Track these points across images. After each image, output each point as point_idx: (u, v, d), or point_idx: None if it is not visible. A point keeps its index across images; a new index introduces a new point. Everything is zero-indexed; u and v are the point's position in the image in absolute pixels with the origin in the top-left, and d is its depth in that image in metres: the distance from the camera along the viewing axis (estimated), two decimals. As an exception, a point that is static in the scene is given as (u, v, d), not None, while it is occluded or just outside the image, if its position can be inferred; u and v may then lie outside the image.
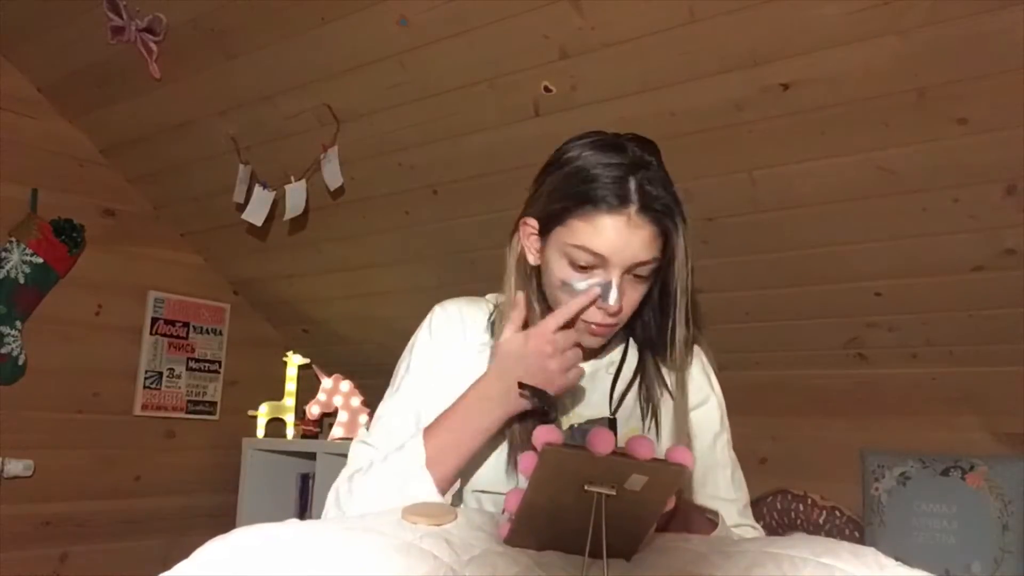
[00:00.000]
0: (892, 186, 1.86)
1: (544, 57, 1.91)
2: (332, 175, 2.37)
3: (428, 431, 1.05)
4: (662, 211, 1.02)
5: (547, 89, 1.99)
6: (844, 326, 2.27)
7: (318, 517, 3.21)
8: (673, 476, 0.81)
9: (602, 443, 0.77)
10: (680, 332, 1.11)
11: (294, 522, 0.84)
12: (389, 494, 0.99)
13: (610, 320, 1.05)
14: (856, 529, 2.30)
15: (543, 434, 0.80)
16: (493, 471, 1.10)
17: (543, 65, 1.93)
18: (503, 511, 0.90)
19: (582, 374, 1.06)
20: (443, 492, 1.02)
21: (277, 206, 2.57)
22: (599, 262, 1.02)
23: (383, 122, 2.28)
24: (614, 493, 0.78)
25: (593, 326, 1.06)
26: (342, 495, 1.06)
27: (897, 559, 0.81)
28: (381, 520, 0.84)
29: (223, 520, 3.13)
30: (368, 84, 2.18)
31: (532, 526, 0.83)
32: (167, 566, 0.80)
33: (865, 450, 2.32)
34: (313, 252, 2.90)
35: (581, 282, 1.03)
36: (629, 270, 1.03)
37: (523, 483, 0.84)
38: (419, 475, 1.01)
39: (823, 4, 1.59)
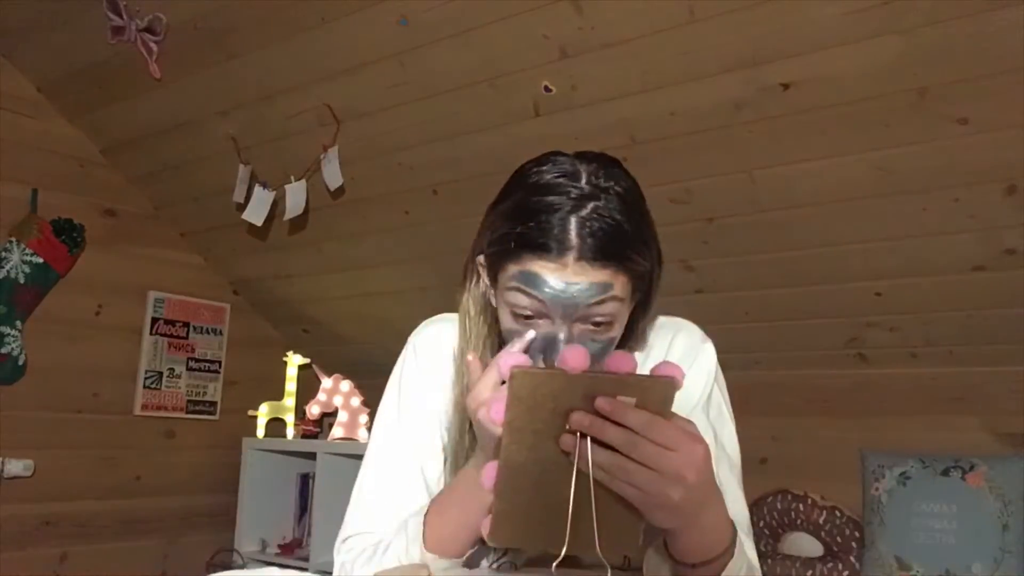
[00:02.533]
0: (892, 186, 1.86)
1: (544, 57, 1.91)
2: (332, 175, 2.37)
3: (428, 517, 0.92)
4: (610, 252, 0.84)
5: (547, 89, 1.99)
6: (844, 326, 2.27)
7: (318, 518, 3.16)
8: (662, 392, 0.71)
9: (575, 358, 0.68)
10: (637, 336, 0.99)
11: (271, 571, 0.80)
12: None
13: (574, 364, 0.90)
14: (856, 529, 2.30)
15: (509, 358, 0.71)
16: None
17: (543, 65, 1.93)
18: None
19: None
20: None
21: (277, 206, 2.57)
22: (541, 309, 0.86)
23: (383, 122, 2.28)
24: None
25: None
26: None
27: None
28: None
29: (223, 520, 3.13)
30: (368, 84, 2.18)
31: (517, 501, 0.72)
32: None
33: (865, 450, 2.32)
34: (313, 252, 2.90)
35: (526, 332, 0.87)
36: (580, 320, 0.86)
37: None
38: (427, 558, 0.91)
39: (823, 4, 1.59)
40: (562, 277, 0.83)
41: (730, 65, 1.77)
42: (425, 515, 0.92)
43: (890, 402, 2.36)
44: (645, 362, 1.01)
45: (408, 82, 2.12)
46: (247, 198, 2.56)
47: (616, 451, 0.70)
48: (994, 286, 1.97)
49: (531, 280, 0.84)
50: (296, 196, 2.48)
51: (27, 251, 2.66)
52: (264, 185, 2.55)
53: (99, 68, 2.53)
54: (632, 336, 0.97)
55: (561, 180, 0.86)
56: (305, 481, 3.21)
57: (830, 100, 1.75)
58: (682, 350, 1.03)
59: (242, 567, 2.87)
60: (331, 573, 0.99)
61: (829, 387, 2.45)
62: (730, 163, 1.98)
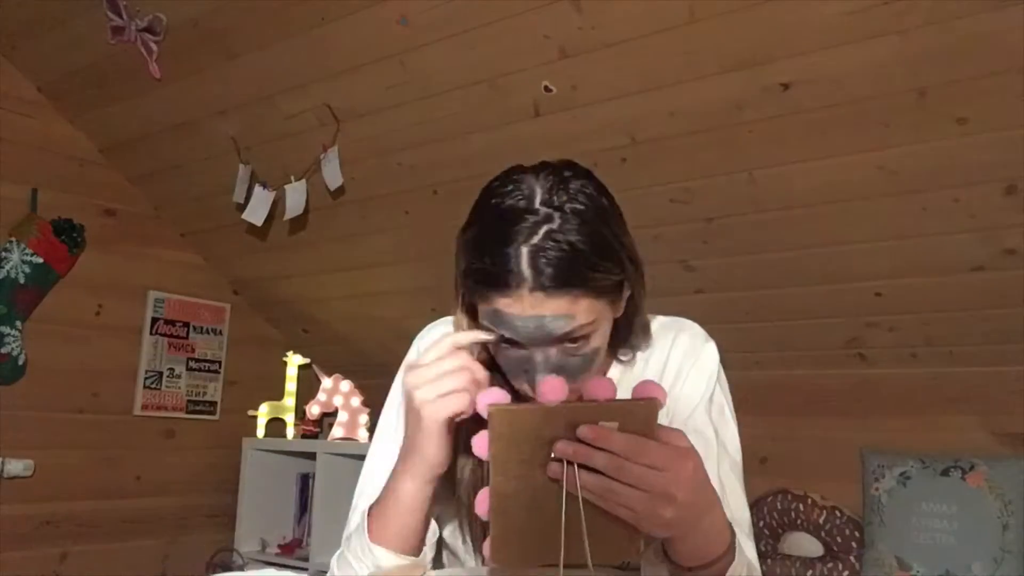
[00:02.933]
0: (892, 186, 1.86)
1: (544, 57, 1.91)
2: (332, 175, 2.37)
3: (372, 506, 0.93)
4: (565, 279, 0.81)
5: (547, 89, 1.99)
6: (844, 326, 2.27)
7: (318, 518, 3.15)
8: (644, 414, 0.71)
9: (552, 391, 0.70)
10: (637, 334, 0.99)
11: (269, 572, 0.79)
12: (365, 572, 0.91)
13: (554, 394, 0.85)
14: (856, 529, 2.30)
15: (486, 396, 0.71)
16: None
17: (543, 65, 1.93)
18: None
19: (465, 404, 0.82)
20: (413, 554, 0.91)
21: (277, 206, 2.57)
22: (516, 342, 0.86)
23: (383, 122, 2.28)
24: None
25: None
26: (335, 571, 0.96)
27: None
28: None
29: (223, 520, 3.13)
30: (368, 84, 2.18)
31: (512, 525, 0.73)
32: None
33: (865, 450, 2.32)
34: (313, 252, 2.90)
35: (507, 356, 0.88)
36: (554, 344, 0.85)
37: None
38: (371, 552, 0.90)
39: (823, 4, 1.59)
40: (521, 311, 0.82)
41: (730, 65, 1.77)
42: (369, 509, 0.92)
43: (890, 402, 2.36)
44: (648, 362, 1.02)
45: (408, 82, 2.12)
46: (247, 198, 2.56)
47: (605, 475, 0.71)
48: (994, 286, 1.97)
49: (498, 319, 0.84)
50: (296, 196, 2.48)
51: (27, 251, 2.65)
52: (264, 185, 2.55)
53: (99, 68, 2.53)
54: (631, 334, 0.97)
55: (519, 205, 0.84)
56: (305, 481, 3.21)
57: (830, 100, 1.75)
58: (684, 350, 1.03)
59: (242, 567, 2.87)
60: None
61: (829, 387, 2.45)
62: (730, 163, 1.98)
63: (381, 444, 1.05)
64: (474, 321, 0.91)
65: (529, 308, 0.82)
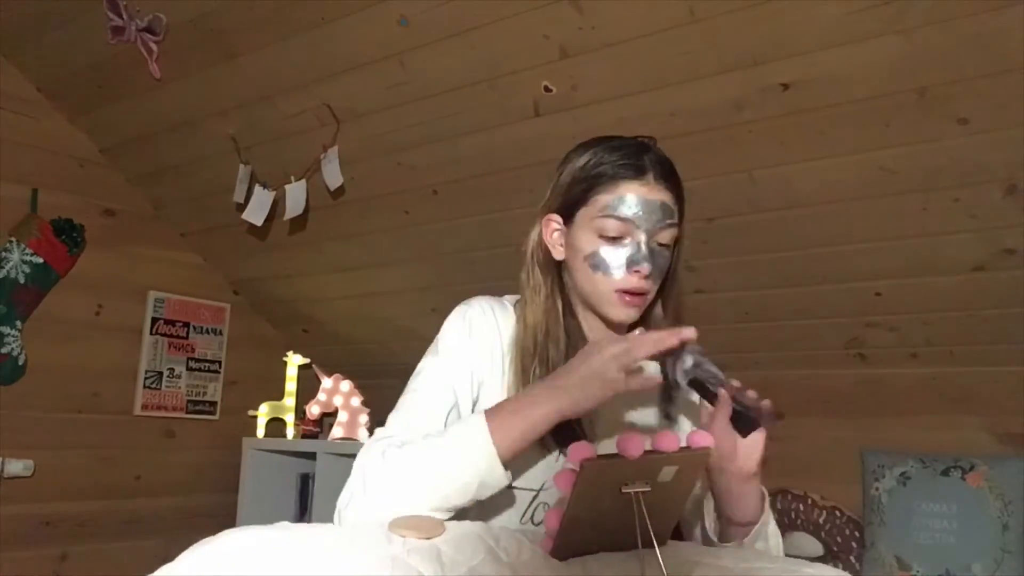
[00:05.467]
0: (892, 186, 1.86)
1: (544, 57, 1.91)
2: (332, 175, 2.37)
3: (490, 411, 1.02)
4: (673, 176, 1.14)
5: (547, 89, 1.99)
6: (844, 326, 2.27)
7: (318, 518, 3.17)
8: (700, 460, 0.91)
9: (635, 447, 0.83)
10: (669, 311, 1.19)
11: (282, 527, 0.82)
12: (444, 465, 0.99)
13: (644, 285, 1.11)
14: (856, 529, 2.30)
15: (578, 452, 0.83)
16: (522, 464, 1.09)
17: (543, 65, 1.93)
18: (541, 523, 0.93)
19: (640, 382, 1.02)
20: (505, 468, 1.01)
21: (277, 206, 2.57)
22: (627, 229, 1.10)
23: (383, 122, 2.28)
24: (649, 489, 0.84)
25: (627, 296, 1.11)
26: (377, 468, 1.05)
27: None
28: (368, 532, 0.83)
29: (223, 520, 3.13)
30: (368, 84, 2.18)
31: (575, 536, 0.87)
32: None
33: (865, 450, 2.32)
34: (313, 252, 2.90)
35: (611, 252, 1.10)
36: (653, 235, 1.10)
37: (555, 494, 0.86)
38: (483, 446, 0.99)
39: (823, 4, 1.59)
40: (646, 193, 1.10)
41: (730, 65, 1.77)
42: (486, 412, 1.03)
43: (890, 402, 2.36)
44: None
45: (408, 82, 2.12)
46: (247, 198, 2.56)
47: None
48: (994, 286, 1.97)
49: (622, 202, 1.10)
50: (296, 196, 2.48)
51: (27, 251, 2.65)
52: (264, 185, 2.55)
53: (99, 68, 2.53)
54: (668, 309, 1.19)
55: (618, 139, 1.15)
56: (305, 481, 3.21)
57: (830, 100, 1.75)
58: None
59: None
60: None
61: (829, 387, 2.45)
62: (730, 163, 1.98)
63: (436, 373, 1.15)
64: (566, 226, 1.15)
65: (652, 192, 1.11)
